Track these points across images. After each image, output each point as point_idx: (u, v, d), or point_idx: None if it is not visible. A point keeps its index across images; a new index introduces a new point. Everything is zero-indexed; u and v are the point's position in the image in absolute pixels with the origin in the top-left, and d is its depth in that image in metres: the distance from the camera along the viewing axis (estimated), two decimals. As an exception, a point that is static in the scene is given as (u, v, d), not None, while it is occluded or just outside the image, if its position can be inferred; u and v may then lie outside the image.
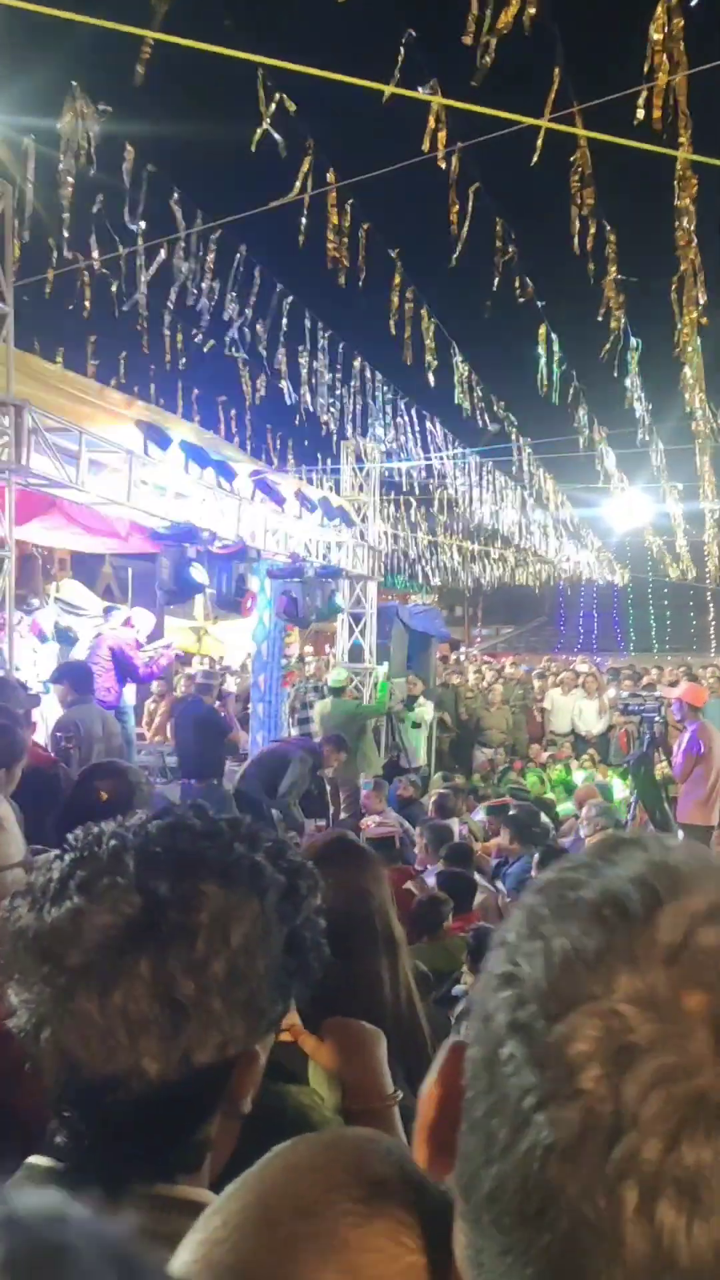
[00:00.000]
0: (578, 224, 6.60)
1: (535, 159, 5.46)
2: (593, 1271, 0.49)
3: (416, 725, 13.85)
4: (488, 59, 5.36)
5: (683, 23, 5.35)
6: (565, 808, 11.37)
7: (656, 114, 5.31)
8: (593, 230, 6.70)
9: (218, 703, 12.09)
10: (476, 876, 6.86)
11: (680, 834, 9.20)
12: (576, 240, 6.61)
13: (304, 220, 6.99)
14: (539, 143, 5.42)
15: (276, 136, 6.17)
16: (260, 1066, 1.04)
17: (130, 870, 0.97)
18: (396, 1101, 1.79)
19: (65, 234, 7.25)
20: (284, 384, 11.52)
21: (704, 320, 8.16)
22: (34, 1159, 1.02)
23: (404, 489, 18.30)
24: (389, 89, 5.08)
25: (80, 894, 0.96)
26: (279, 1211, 0.67)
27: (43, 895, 0.98)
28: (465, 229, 7.07)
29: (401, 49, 5.23)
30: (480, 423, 14.29)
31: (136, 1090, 0.94)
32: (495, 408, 14.13)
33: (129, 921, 0.95)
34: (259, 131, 5.96)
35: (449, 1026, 2.54)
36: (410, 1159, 0.71)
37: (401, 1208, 0.67)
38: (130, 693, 10.45)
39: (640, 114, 5.34)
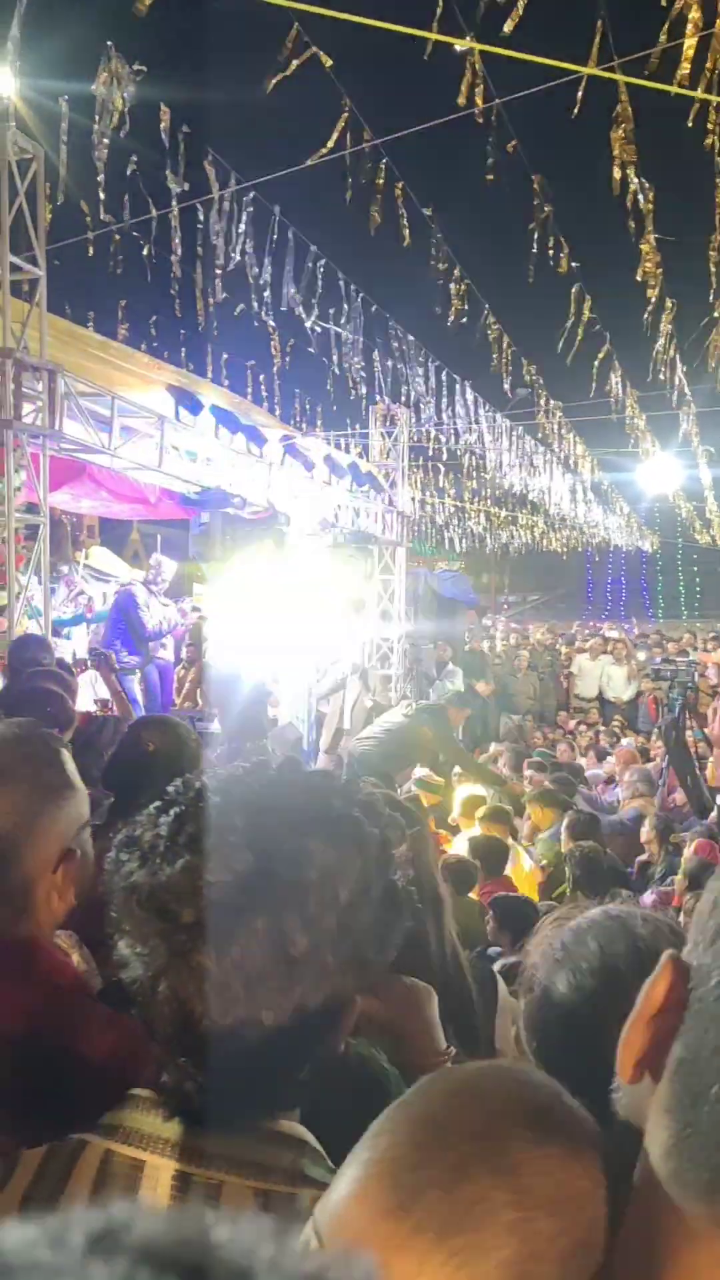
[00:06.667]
0: (618, 181, 6.48)
1: (576, 110, 5.36)
2: None
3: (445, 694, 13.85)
4: (518, 8, 5.26)
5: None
6: (594, 772, 11.37)
7: (685, 68, 5.20)
8: (633, 188, 6.58)
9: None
10: (511, 841, 6.88)
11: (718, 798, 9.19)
12: (625, 199, 6.47)
13: (340, 180, 6.90)
14: (579, 94, 5.32)
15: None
16: (356, 1012, 1.06)
17: (239, 827, 0.98)
18: (449, 1057, 1.82)
19: (101, 195, 7.19)
20: (312, 349, 11.43)
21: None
22: (137, 1091, 1.06)
23: (432, 453, 18.17)
24: (432, 36, 4.99)
25: (191, 851, 0.98)
26: (449, 1133, 0.69)
27: (152, 851, 1.00)
28: (499, 187, 6.98)
29: (440, 4, 5.12)
30: (509, 386, 14.15)
31: (249, 1038, 0.97)
32: (526, 371, 13.98)
33: (241, 879, 0.96)
34: (281, 78, 5.85)
35: (494, 981, 2.57)
36: (559, 1086, 0.74)
37: (566, 1134, 0.70)
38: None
39: (686, 68, 5.22)
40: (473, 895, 5.50)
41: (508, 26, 5.06)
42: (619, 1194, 0.67)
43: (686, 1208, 0.58)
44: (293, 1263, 0.29)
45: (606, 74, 5.42)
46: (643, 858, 7.33)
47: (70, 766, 1.57)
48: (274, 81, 5.87)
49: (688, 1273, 0.59)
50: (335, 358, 12.15)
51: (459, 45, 5.33)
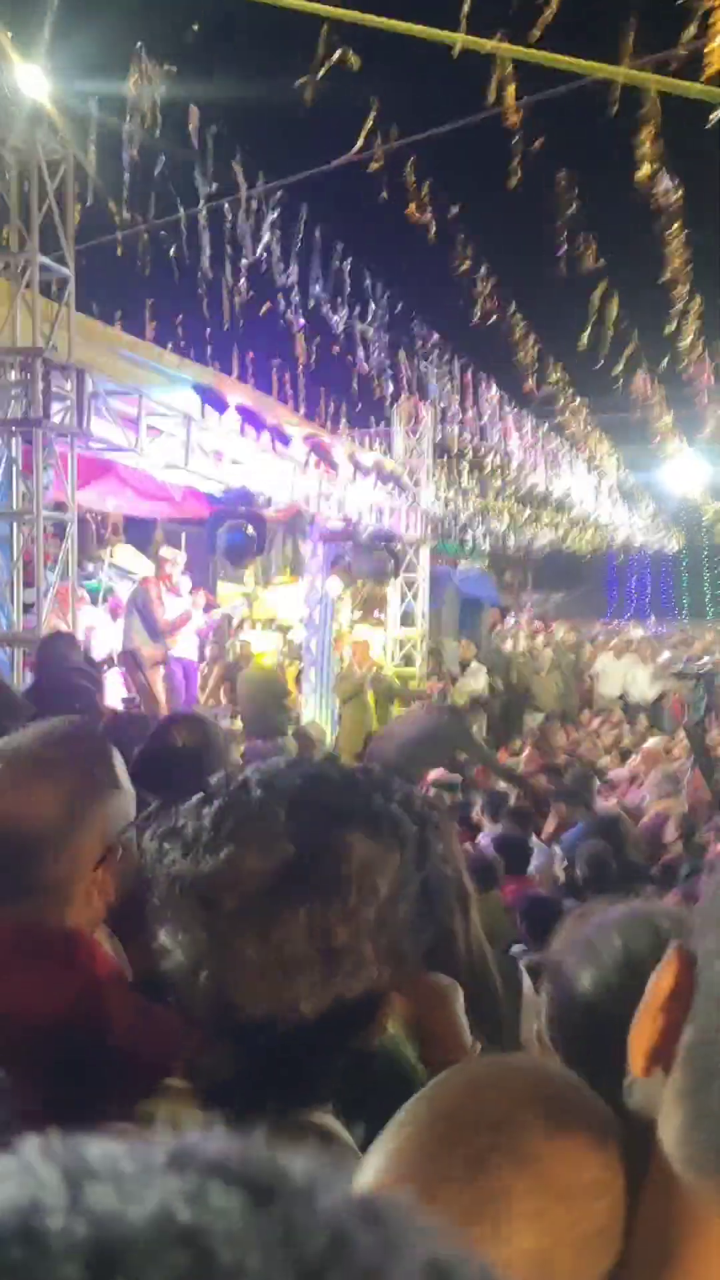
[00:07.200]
0: (646, 179, 6.46)
1: (616, 110, 5.35)
2: None
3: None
4: (550, 8, 5.26)
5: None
6: (617, 772, 11.33)
7: (714, 66, 5.18)
8: (661, 186, 6.56)
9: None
10: (533, 840, 6.89)
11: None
12: (654, 196, 6.45)
13: (368, 179, 6.91)
14: (616, 94, 5.31)
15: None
16: (391, 1006, 1.08)
17: (281, 819, 1.00)
18: (475, 1053, 1.83)
19: (124, 195, 7.24)
20: (337, 348, 11.45)
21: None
22: (171, 1080, 1.08)
23: (455, 452, 18.13)
24: (459, 38, 4.99)
25: (233, 841, 0.99)
26: (468, 1124, 0.71)
27: (195, 841, 1.01)
28: (526, 185, 6.97)
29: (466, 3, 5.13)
30: (534, 384, 14.13)
31: (287, 1028, 0.99)
32: (550, 369, 13.96)
33: (283, 870, 0.98)
34: (309, 79, 5.87)
35: (519, 977, 2.58)
36: (578, 1079, 0.76)
37: (584, 1123, 0.71)
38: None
39: (715, 66, 5.20)
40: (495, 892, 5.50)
41: (536, 32, 5.06)
42: (636, 1184, 0.68)
43: (701, 1192, 0.60)
44: (349, 1187, 0.32)
45: (636, 76, 5.41)
46: (668, 857, 7.31)
47: (119, 766, 1.59)
48: (308, 86, 5.89)
49: (703, 1257, 0.60)
50: (361, 355, 12.16)
51: (487, 47, 5.32)
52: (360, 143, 6.56)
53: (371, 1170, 0.72)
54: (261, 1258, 0.27)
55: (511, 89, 5.55)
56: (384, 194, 7.19)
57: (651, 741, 12.79)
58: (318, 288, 9.68)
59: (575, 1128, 0.70)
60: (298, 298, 9.77)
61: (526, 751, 10.57)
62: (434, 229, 7.68)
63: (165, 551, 11.13)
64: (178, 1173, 0.30)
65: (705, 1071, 0.60)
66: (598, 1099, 0.74)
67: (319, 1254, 0.28)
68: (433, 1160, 0.70)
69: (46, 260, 7.07)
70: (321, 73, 5.84)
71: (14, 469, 7.03)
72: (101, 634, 10.89)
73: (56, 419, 7.10)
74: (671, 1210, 0.62)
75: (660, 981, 0.64)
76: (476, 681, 14.23)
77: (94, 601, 11.35)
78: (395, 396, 14.35)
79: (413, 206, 7.38)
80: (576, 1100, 0.74)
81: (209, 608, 13.74)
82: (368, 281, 10.55)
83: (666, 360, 12.95)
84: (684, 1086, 0.61)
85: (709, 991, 0.61)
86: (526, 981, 2.64)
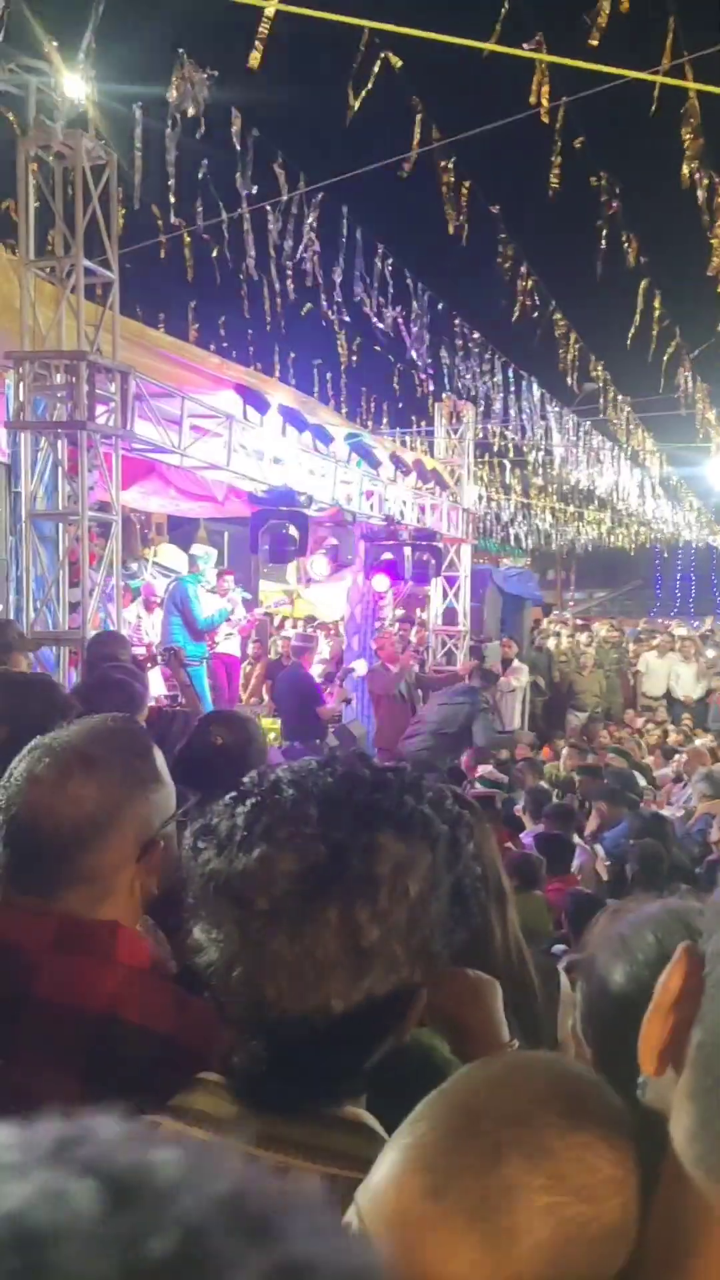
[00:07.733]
0: (687, 176, 6.40)
1: (654, 109, 5.32)
2: None
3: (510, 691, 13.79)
4: (602, 19, 5.25)
5: None
6: (662, 771, 11.23)
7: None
8: (704, 182, 6.50)
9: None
10: (575, 838, 6.87)
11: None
12: (696, 193, 6.39)
13: (409, 180, 6.92)
14: (655, 94, 5.28)
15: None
16: (423, 1003, 1.10)
17: (314, 819, 1.01)
18: (512, 1050, 1.83)
19: (172, 200, 7.31)
20: (379, 348, 11.47)
21: None
22: (205, 1074, 1.10)
23: (498, 449, 18.08)
24: (489, 46, 4.99)
25: (265, 841, 1.00)
26: (485, 1119, 0.72)
27: (228, 840, 1.03)
28: (566, 183, 6.95)
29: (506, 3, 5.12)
30: (575, 381, 14.06)
31: (319, 1025, 1.00)
32: (593, 366, 13.87)
33: (315, 870, 0.99)
34: (361, 93, 5.91)
35: (556, 975, 2.58)
36: (599, 1078, 0.77)
37: (600, 1121, 0.72)
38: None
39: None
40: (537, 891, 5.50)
41: (594, 41, 5.03)
42: (651, 1183, 0.69)
43: (712, 1191, 0.60)
44: (221, 1185, 0.31)
45: (674, 82, 5.37)
46: (711, 858, 7.25)
47: (160, 761, 1.63)
48: (350, 90, 5.93)
49: (714, 1256, 0.61)
50: (404, 354, 12.19)
51: (527, 55, 5.30)
52: (415, 152, 6.55)
53: (388, 1162, 0.74)
54: (99, 1263, 0.27)
55: (546, 89, 5.51)
56: (426, 193, 7.18)
57: (697, 741, 12.66)
58: (359, 288, 9.71)
59: (591, 1125, 0.72)
60: (339, 298, 9.80)
61: (566, 750, 10.52)
62: (467, 229, 7.67)
63: (195, 549, 11.29)
64: (53, 1166, 0.29)
65: (714, 1073, 0.60)
66: (615, 1097, 0.75)
67: (160, 1259, 0.27)
68: (449, 1153, 0.71)
69: (91, 264, 7.16)
70: (365, 79, 5.85)
71: (59, 470, 7.14)
72: (143, 626, 11.08)
73: (101, 420, 7.19)
74: (684, 1210, 0.62)
75: (670, 981, 0.65)
76: (518, 679, 14.16)
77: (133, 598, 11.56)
78: (437, 395, 14.34)
79: (450, 208, 7.36)
80: (593, 1098, 0.75)
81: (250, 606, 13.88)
82: (409, 280, 10.55)
83: (712, 356, 12.81)
84: (693, 1086, 0.62)
85: (715, 993, 0.62)
86: (565, 979, 2.64)
